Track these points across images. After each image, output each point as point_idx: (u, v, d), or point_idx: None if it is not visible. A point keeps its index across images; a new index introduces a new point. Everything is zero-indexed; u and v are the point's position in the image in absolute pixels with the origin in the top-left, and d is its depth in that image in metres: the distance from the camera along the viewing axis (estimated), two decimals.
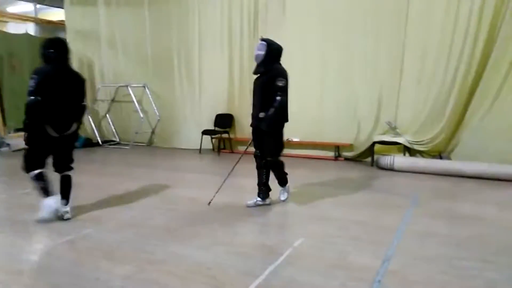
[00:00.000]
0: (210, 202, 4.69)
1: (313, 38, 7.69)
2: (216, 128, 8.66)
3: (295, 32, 7.77)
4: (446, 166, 6.39)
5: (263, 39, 4.39)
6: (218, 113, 8.76)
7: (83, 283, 2.88)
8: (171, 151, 8.99)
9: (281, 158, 4.58)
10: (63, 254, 3.42)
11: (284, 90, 4.24)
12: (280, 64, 4.40)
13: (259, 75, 4.44)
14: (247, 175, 5.20)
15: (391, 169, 6.64)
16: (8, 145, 8.99)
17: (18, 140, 9.23)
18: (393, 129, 7.01)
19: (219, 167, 7.49)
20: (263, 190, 4.63)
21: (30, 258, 3.46)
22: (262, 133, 4.42)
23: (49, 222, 4.13)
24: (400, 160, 6.68)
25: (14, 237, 3.81)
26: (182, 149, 9.16)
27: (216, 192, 4.77)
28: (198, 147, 8.73)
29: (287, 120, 4.43)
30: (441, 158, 6.80)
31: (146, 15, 9.39)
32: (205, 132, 8.61)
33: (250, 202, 4.65)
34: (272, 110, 4.25)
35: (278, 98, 4.21)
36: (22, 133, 7.45)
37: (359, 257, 3.29)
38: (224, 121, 8.68)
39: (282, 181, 4.70)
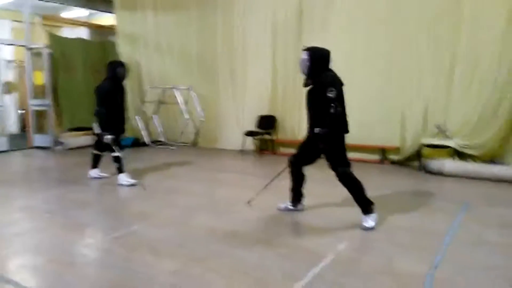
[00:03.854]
0: (250, 201, 4.70)
1: (358, 39, 7.55)
2: (259, 130, 8.71)
3: (340, 33, 7.66)
4: (498, 171, 6.07)
5: (305, 49, 4.08)
6: (260, 114, 8.80)
7: (132, 277, 2.99)
8: (214, 152, 9.13)
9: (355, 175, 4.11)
10: (113, 249, 3.56)
11: (336, 101, 3.83)
12: (330, 70, 4.04)
13: (310, 88, 4.13)
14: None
15: (440, 173, 6.39)
16: (62, 143, 9.48)
17: (71, 139, 9.74)
18: (442, 132, 6.75)
19: (261, 168, 7.52)
20: (294, 196, 4.50)
21: (82, 251, 3.64)
22: (320, 147, 4.09)
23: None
24: (450, 165, 6.42)
25: (67, 232, 4.01)
26: (224, 149, 9.28)
27: (257, 194, 4.79)
28: (240, 148, 8.80)
29: (347, 131, 4.10)
30: (493, 163, 6.47)
31: (191, 19, 9.58)
32: (248, 133, 8.67)
33: (282, 205, 4.59)
34: (325, 129, 3.91)
35: (331, 111, 3.81)
36: (75, 133, 8.24)
37: (406, 263, 3.20)
38: (267, 122, 8.71)
39: (363, 205, 4.04)
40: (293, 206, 4.53)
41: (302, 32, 8.18)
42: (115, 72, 5.63)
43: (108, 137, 5.59)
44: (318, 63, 3.99)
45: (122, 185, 5.69)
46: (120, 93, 5.80)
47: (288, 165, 4.39)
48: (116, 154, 5.68)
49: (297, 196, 4.49)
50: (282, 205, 4.57)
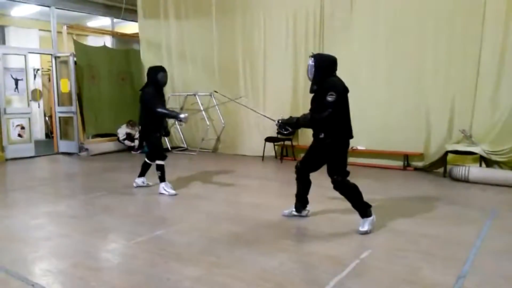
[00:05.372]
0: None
1: (381, 44, 7.48)
2: (279, 136, 8.70)
3: (362, 39, 7.62)
4: None
5: (312, 56, 4.17)
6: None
7: (156, 283, 3.02)
8: (235, 158, 9.17)
9: (352, 180, 4.14)
10: (137, 254, 3.61)
11: (334, 105, 3.87)
12: (334, 76, 4.10)
13: (314, 93, 4.19)
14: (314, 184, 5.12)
15: (465, 180, 6.25)
16: (87, 149, 9.68)
17: (95, 145, 9.94)
18: (468, 137, 6.61)
19: (282, 174, 7.50)
20: (299, 202, 4.51)
21: (106, 256, 3.69)
22: (322, 152, 4.12)
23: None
24: (476, 171, 6.27)
25: (92, 237, 4.08)
26: (245, 155, 9.30)
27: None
28: (261, 154, 8.81)
29: (351, 137, 4.13)
30: None
31: (213, 27, 9.70)
32: (268, 139, 8.68)
33: (286, 211, 4.61)
34: (309, 118, 4.03)
35: (325, 113, 3.88)
36: (99, 139, 8.49)
37: (431, 272, 3.13)
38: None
39: (361, 210, 4.09)
40: (297, 212, 4.55)
41: (323, 37, 8.17)
42: (157, 78, 5.64)
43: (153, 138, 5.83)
44: (323, 69, 4.07)
45: (163, 194, 5.67)
46: (162, 99, 5.86)
47: (295, 172, 4.42)
48: (160, 162, 5.71)
49: (302, 202, 4.52)
50: (286, 211, 4.60)
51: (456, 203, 5.26)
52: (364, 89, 7.61)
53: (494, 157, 6.41)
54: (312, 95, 4.19)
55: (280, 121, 4.36)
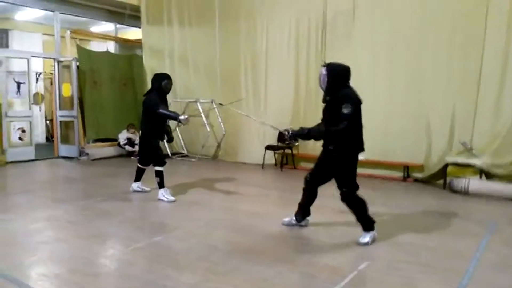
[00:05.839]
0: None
1: (382, 53, 7.51)
2: (279, 144, 8.70)
3: (363, 47, 7.65)
4: None
5: (324, 65, 4.09)
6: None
7: None
8: (235, 165, 9.16)
9: (361, 196, 4.07)
10: (134, 260, 3.59)
11: (350, 118, 3.82)
12: (348, 87, 4.02)
13: (326, 103, 4.13)
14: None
15: (465, 193, 6.24)
16: (87, 154, 9.68)
17: (96, 150, 9.94)
18: (468, 150, 6.60)
19: (282, 183, 7.49)
20: (301, 212, 4.48)
21: (104, 262, 3.68)
22: (331, 165, 4.07)
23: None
24: (476, 184, 6.26)
25: (89, 242, 4.07)
26: (245, 163, 9.29)
27: None
28: (261, 162, 8.80)
29: (362, 150, 4.07)
30: None
31: (216, 34, 9.74)
32: (269, 147, 8.68)
33: (286, 220, 4.58)
34: (324, 131, 3.97)
35: (341, 126, 3.80)
36: (100, 144, 8.53)
37: (430, 285, 3.12)
38: None
39: (364, 224, 4.05)
40: (297, 221, 4.51)
41: (325, 45, 8.21)
42: (161, 84, 5.69)
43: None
44: (336, 79, 3.98)
45: (161, 200, 5.67)
46: (165, 105, 5.86)
47: (304, 183, 4.35)
48: (159, 168, 5.71)
49: (304, 212, 4.48)
50: (286, 219, 4.57)
51: (456, 215, 5.24)
52: (364, 98, 7.54)
53: (494, 170, 6.39)
54: (324, 106, 4.14)
55: (290, 132, 4.22)
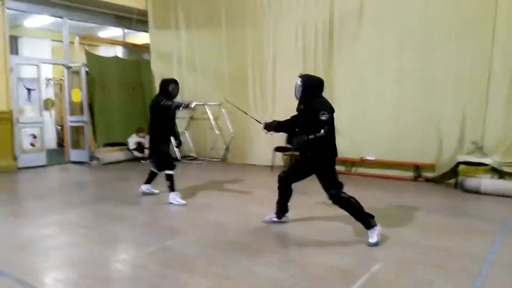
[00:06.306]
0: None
1: (390, 53, 7.48)
2: (288, 145, 8.68)
3: (371, 49, 7.62)
4: None
5: (300, 76, 4.38)
6: None
7: None
8: (244, 167, 9.17)
9: (348, 194, 4.14)
10: (146, 264, 3.61)
11: (328, 123, 3.99)
12: (321, 97, 4.26)
13: (299, 112, 4.38)
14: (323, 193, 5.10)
15: (477, 192, 6.18)
16: (97, 159, 9.75)
17: (106, 154, 10.01)
18: (479, 149, 6.53)
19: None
20: (280, 209, 4.67)
21: (116, 266, 3.70)
22: (307, 166, 4.28)
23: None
24: (488, 183, 6.20)
25: (102, 247, 4.10)
26: (254, 165, 9.30)
27: None
28: (270, 164, 8.80)
29: (336, 155, 4.25)
30: None
31: (223, 37, 9.76)
32: (277, 149, 8.67)
33: (267, 217, 4.75)
34: (306, 138, 4.05)
35: (321, 132, 3.95)
36: (110, 148, 8.59)
37: (443, 286, 3.10)
38: None
39: (363, 221, 4.09)
40: (278, 218, 4.69)
41: (332, 47, 8.19)
42: (168, 89, 5.79)
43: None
44: (310, 90, 4.24)
45: (172, 204, 5.70)
46: (172, 110, 5.92)
47: (277, 181, 4.56)
48: (169, 172, 5.76)
49: (282, 209, 4.66)
50: (267, 217, 4.76)
51: (468, 215, 5.20)
52: (373, 99, 7.60)
53: (506, 169, 6.33)
54: (298, 115, 4.37)
55: (263, 123, 4.85)
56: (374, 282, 3.19)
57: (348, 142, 7.71)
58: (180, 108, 5.76)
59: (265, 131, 4.81)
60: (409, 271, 3.38)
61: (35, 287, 3.16)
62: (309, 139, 4.04)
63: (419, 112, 7.23)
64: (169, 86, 5.80)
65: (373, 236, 4.00)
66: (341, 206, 4.14)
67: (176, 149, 9.89)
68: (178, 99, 8.60)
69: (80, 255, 3.88)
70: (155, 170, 6.11)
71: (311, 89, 4.25)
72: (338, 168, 7.85)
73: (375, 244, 3.95)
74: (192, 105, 5.99)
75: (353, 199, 4.11)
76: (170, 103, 5.63)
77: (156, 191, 6.26)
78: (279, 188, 4.59)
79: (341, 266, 3.52)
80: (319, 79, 4.43)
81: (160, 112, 5.73)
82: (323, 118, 3.97)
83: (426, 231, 4.43)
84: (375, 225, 4.06)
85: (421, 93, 7.21)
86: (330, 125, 4.03)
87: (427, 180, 7.24)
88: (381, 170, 7.71)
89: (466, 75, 6.76)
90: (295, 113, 4.21)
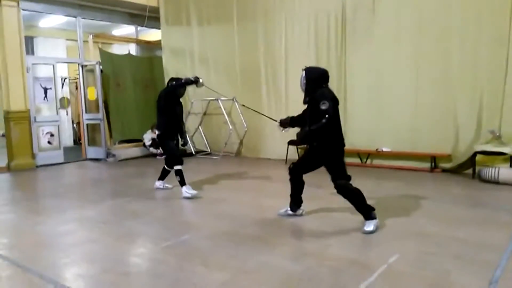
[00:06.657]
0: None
1: (405, 43, 7.38)
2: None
3: (385, 39, 7.53)
4: None
5: (303, 69, 4.38)
6: None
7: None
8: (258, 161, 9.18)
9: (354, 185, 4.21)
10: (164, 258, 3.66)
11: (329, 112, 4.00)
12: (325, 87, 4.27)
13: (307, 104, 4.39)
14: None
15: (495, 182, 6.08)
16: (114, 155, 9.89)
17: (122, 151, 10.14)
18: (497, 138, 6.42)
19: (305, 177, 7.45)
20: (293, 201, 4.68)
21: (136, 261, 3.77)
22: (315, 157, 4.31)
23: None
24: (506, 172, 6.09)
25: (120, 242, 4.17)
26: (268, 159, 9.31)
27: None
28: (284, 158, 8.80)
29: (343, 145, 4.25)
30: None
31: (235, 33, 9.76)
32: (291, 143, 8.66)
33: (282, 210, 4.78)
34: (308, 130, 4.14)
35: (323, 121, 3.99)
36: (126, 144, 8.65)
37: (462, 277, 3.07)
38: None
39: (364, 213, 4.17)
40: (292, 211, 4.71)
41: (345, 40, 8.12)
42: (174, 87, 5.93)
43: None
44: (313, 81, 4.27)
45: (186, 197, 5.78)
46: (178, 105, 6.14)
47: (288, 173, 4.59)
48: (178, 167, 5.85)
49: (296, 202, 4.68)
50: (282, 210, 4.78)
51: (486, 205, 5.13)
52: (389, 90, 7.52)
53: None
54: (305, 106, 4.39)
55: (278, 121, 4.88)
56: (392, 273, 3.18)
57: (364, 134, 7.67)
58: (189, 83, 5.93)
59: (281, 128, 4.82)
60: (426, 262, 3.36)
61: (57, 282, 3.23)
62: (311, 130, 4.10)
63: (435, 102, 7.13)
64: (175, 85, 5.94)
65: (370, 225, 4.10)
66: (345, 196, 4.20)
67: (190, 143, 9.99)
68: (191, 94, 8.64)
69: (99, 250, 3.95)
70: (167, 168, 6.25)
71: (315, 80, 4.28)
72: (354, 160, 7.93)
73: (370, 232, 4.04)
74: (201, 80, 6.07)
75: (357, 190, 4.16)
76: (173, 83, 5.87)
77: (170, 186, 6.38)
78: (290, 180, 4.63)
79: (358, 258, 3.52)
80: (321, 70, 4.45)
81: (167, 100, 5.91)
82: (323, 107, 4.01)
83: (443, 222, 4.39)
84: (375, 217, 4.15)
85: (437, 83, 7.11)
86: (332, 114, 4.04)
87: (444, 170, 7.16)
88: (397, 161, 7.64)
89: (483, 64, 6.64)
90: (305, 107, 4.31)
